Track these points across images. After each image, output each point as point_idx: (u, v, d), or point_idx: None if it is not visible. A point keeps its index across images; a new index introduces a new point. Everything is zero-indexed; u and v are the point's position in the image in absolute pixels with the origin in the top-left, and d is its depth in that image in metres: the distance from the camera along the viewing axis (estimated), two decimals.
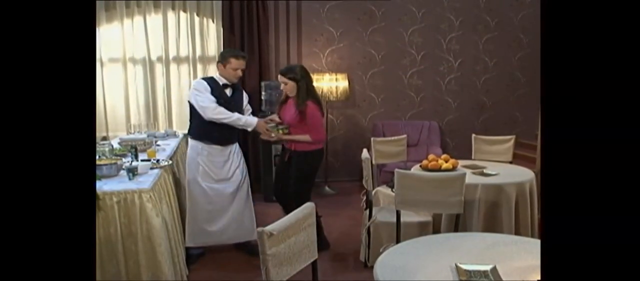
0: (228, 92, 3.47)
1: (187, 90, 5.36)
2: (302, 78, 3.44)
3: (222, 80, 3.45)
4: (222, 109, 3.33)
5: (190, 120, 3.52)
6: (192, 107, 3.44)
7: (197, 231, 3.50)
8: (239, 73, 3.45)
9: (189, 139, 3.58)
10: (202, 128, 3.42)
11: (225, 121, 3.34)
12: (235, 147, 3.61)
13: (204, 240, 3.54)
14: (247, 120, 3.42)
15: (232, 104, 3.46)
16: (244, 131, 3.60)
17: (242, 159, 3.65)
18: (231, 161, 3.55)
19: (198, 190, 3.47)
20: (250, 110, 3.70)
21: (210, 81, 3.43)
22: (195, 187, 3.47)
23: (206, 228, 3.51)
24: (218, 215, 3.52)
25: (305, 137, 3.47)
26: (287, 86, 3.46)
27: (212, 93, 3.35)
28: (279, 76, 3.51)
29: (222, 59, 3.44)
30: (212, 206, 3.50)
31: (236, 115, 3.37)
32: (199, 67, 5.48)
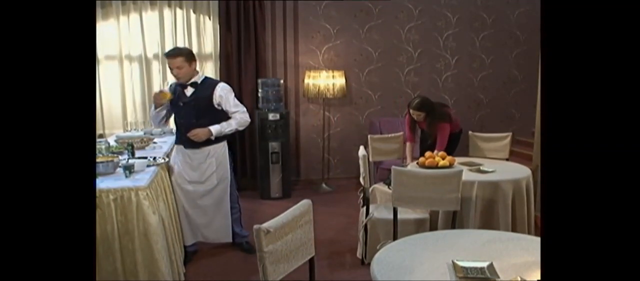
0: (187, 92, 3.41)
1: None
2: None
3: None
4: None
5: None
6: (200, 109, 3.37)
7: (187, 229, 3.52)
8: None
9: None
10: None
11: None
12: (212, 150, 3.42)
13: (195, 238, 3.57)
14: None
15: (192, 104, 3.37)
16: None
17: (221, 162, 3.47)
18: (205, 164, 3.42)
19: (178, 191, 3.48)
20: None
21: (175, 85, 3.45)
22: (177, 187, 3.48)
23: (191, 227, 3.54)
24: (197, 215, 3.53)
25: None
26: None
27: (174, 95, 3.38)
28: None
29: (194, 57, 3.39)
30: (190, 205, 3.50)
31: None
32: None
